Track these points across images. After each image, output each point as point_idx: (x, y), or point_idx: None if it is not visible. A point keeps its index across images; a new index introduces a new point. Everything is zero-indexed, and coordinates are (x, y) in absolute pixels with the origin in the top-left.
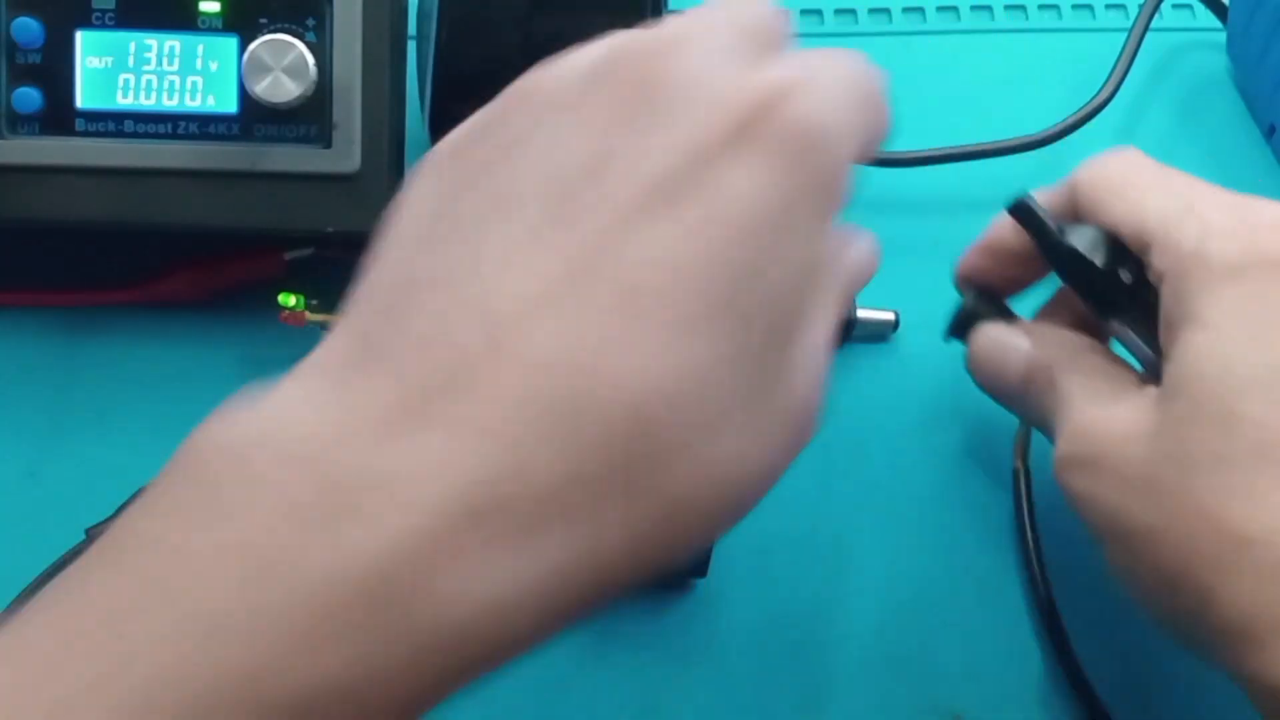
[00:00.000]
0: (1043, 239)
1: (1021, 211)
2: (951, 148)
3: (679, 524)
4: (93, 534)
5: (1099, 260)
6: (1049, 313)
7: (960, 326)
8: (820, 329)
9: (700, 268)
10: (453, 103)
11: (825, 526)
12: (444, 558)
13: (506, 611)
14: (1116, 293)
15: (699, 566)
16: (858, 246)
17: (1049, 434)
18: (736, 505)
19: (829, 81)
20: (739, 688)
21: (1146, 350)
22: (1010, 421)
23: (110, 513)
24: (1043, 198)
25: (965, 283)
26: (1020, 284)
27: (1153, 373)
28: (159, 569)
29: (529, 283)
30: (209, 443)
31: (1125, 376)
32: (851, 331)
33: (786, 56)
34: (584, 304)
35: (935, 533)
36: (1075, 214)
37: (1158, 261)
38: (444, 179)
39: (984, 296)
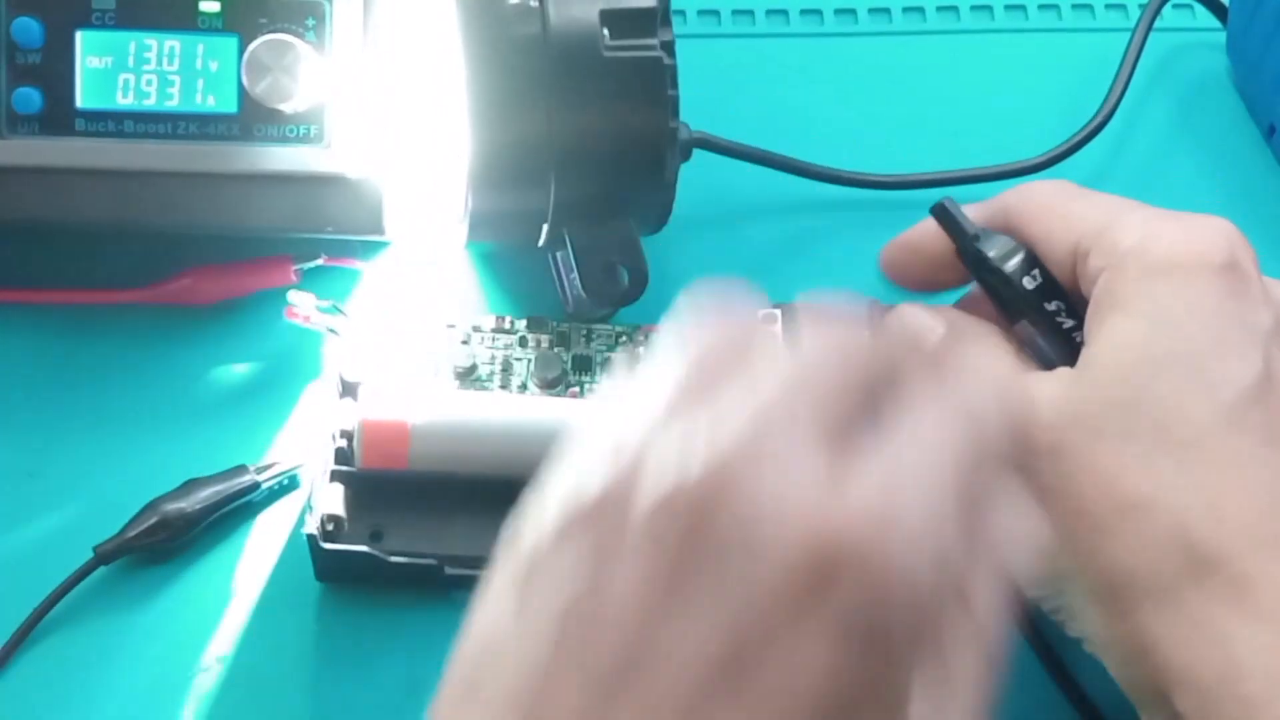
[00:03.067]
0: (959, 241)
1: (941, 214)
2: (953, 172)
3: None
4: (100, 552)
5: (1008, 266)
6: (963, 308)
7: None
8: None
9: None
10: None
11: None
12: None
13: None
14: (1022, 298)
15: None
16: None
17: None
18: None
19: (920, 492)
20: None
21: (1048, 353)
22: None
23: (109, 513)
24: (972, 210)
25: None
26: (933, 286)
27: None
28: None
29: None
30: None
31: (1030, 366)
32: None
33: (868, 454)
34: None
35: None
36: (1003, 228)
37: (1095, 260)
38: (518, 597)
39: None
